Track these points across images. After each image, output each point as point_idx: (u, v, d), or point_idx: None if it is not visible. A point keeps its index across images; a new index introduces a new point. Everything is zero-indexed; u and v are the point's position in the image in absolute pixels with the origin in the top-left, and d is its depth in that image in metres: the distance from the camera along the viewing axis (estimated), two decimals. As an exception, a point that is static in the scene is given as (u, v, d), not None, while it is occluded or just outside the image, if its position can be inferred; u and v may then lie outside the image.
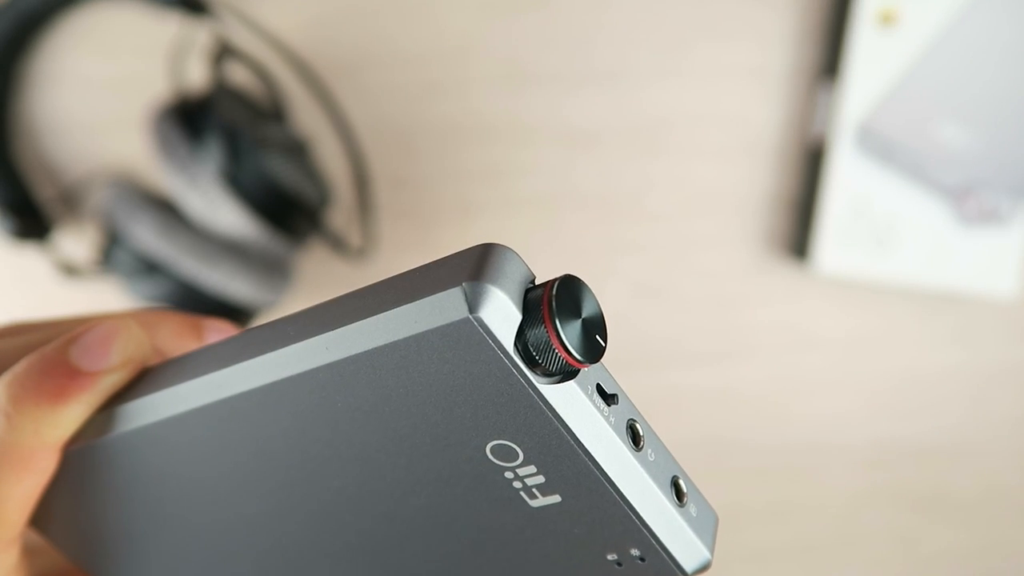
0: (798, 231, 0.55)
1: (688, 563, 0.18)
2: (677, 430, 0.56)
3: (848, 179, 0.53)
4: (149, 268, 0.44)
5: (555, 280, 0.16)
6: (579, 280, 0.16)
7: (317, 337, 0.17)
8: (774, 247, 0.55)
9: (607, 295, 0.54)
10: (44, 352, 0.21)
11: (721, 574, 0.58)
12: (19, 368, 0.21)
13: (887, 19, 0.52)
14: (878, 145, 0.53)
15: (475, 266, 0.16)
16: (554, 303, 0.16)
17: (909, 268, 0.54)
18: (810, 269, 0.54)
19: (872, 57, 0.52)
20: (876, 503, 0.58)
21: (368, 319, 0.17)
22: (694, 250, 0.55)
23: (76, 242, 0.50)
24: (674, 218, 0.54)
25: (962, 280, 0.54)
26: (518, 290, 0.16)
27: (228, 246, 0.44)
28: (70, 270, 0.48)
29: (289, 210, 0.45)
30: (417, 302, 0.16)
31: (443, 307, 0.16)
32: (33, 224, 0.48)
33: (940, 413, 0.58)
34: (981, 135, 0.53)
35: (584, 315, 0.16)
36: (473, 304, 0.15)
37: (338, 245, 0.46)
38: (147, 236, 0.43)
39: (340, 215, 0.51)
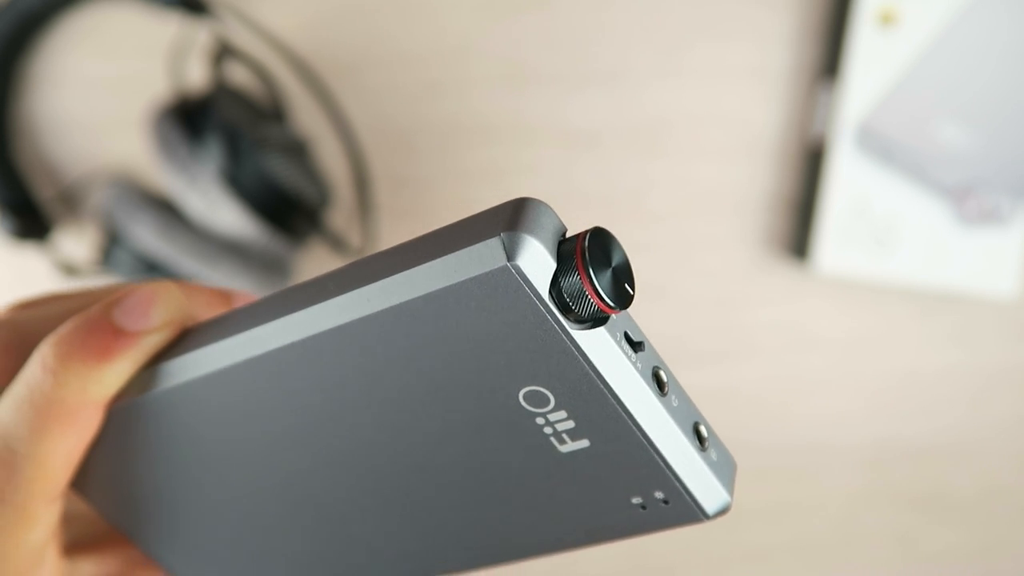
0: (798, 231, 0.55)
1: (710, 506, 0.19)
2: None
3: (848, 179, 0.53)
4: (149, 268, 0.44)
5: (587, 231, 0.17)
6: (608, 232, 0.17)
7: (359, 289, 0.18)
8: (774, 247, 0.55)
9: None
10: (88, 314, 0.22)
11: (721, 574, 0.58)
12: (64, 329, 0.21)
13: (887, 19, 0.52)
14: (878, 145, 0.53)
15: (512, 218, 0.16)
16: (587, 253, 0.16)
17: (909, 268, 0.54)
18: (810, 269, 0.54)
19: (872, 57, 0.52)
20: (875, 503, 0.58)
21: (410, 270, 0.17)
22: (695, 250, 0.55)
23: (76, 242, 0.50)
24: (675, 218, 0.54)
25: (962, 280, 0.54)
26: (553, 240, 0.17)
27: (228, 246, 0.44)
28: (70, 270, 0.48)
29: (289, 210, 0.45)
30: (457, 252, 0.17)
31: (482, 256, 0.16)
32: (33, 224, 0.48)
33: (939, 413, 0.58)
34: (981, 135, 0.53)
35: (614, 264, 0.17)
36: (511, 253, 0.16)
37: (338, 245, 0.46)
38: (147, 236, 0.43)
39: (340, 215, 0.51)
